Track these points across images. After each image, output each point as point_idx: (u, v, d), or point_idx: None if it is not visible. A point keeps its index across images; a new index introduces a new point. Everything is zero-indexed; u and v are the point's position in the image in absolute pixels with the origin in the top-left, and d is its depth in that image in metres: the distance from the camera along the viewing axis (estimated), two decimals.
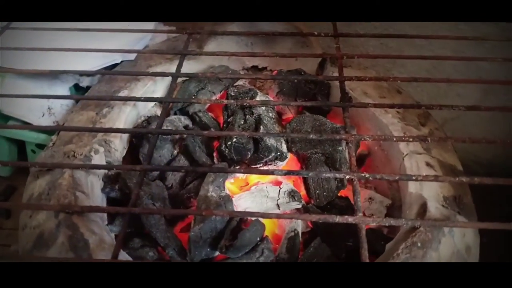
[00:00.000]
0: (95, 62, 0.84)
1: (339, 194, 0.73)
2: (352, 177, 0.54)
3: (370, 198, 0.75)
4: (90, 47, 0.73)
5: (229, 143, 0.68)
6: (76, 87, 0.98)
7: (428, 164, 0.69)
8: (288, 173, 0.59)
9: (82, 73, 0.89)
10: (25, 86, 0.92)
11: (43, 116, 0.94)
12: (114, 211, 0.52)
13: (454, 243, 0.56)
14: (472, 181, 0.53)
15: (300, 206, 0.69)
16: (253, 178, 0.75)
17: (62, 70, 0.72)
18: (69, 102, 0.96)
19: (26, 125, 0.84)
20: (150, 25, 0.99)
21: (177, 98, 0.75)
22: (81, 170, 0.64)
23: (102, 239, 0.56)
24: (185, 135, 0.74)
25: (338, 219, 0.51)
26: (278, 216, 0.58)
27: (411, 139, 0.63)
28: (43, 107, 0.94)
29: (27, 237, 0.61)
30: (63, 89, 0.95)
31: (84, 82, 0.98)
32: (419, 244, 0.53)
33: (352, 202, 0.73)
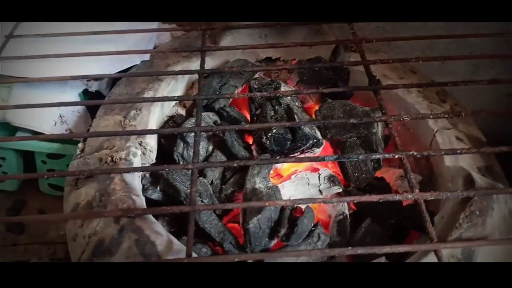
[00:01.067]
0: (112, 65, 0.82)
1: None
2: (401, 156, 0.57)
3: (402, 176, 0.78)
4: (99, 50, 0.72)
5: (270, 134, 0.69)
6: (85, 92, 0.96)
7: (458, 138, 0.72)
8: (338, 158, 0.61)
9: (107, 77, 0.86)
10: (34, 95, 0.89)
11: (55, 124, 0.91)
12: (178, 210, 0.52)
13: (501, 208, 0.60)
14: (510, 149, 0.56)
15: (341, 190, 0.71)
16: (287, 167, 0.77)
17: (85, 75, 0.71)
18: (79, 108, 0.94)
19: (64, 134, 0.83)
20: (154, 24, 0.98)
21: (209, 95, 0.75)
22: (128, 174, 0.63)
23: (169, 239, 0.56)
24: (216, 131, 0.74)
25: (398, 197, 0.54)
26: (339, 200, 0.60)
27: (446, 115, 0.66)
28: (54, 115, 0.91)
29: (81, 247, 0.60)
30: (72, 95, 0.93)
31: (93, 86, 0.96)
32: (477, 212, 0.57)
33: (387, 181, 0.76)
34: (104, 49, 0.73)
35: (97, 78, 0.86)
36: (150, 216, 0.58)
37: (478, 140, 0.74)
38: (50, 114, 0.90)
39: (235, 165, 0.57)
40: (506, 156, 0.66)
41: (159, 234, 0.56)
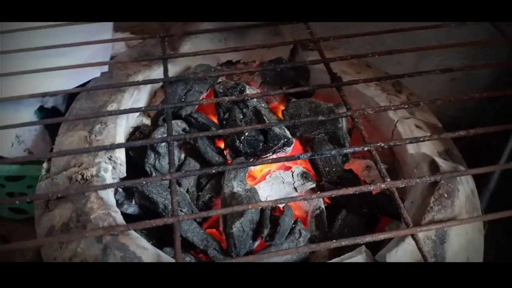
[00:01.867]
0: (72, 80, 0.79)
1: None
2: (370, 148, 0.60)
3: (368, 167, 0.81)
4: (55, 65, 0.69)
5: (242, 138, 0.70)
6: (40, 109, 0.93)
7: (417, 126, 0.76)
8: (312, 155, 0.63)
9: (71, 92, 0.82)
10: None
11: (12, 145, 0.87)
12: (162, 223, 0.51)
13: (465, 189, 0.65)
14: (468, 134, 0.61)
15: (314, 185, 0.73)
16: (260, 168, 0.78)
17: (45, 92, 0.68)
18: (36, 126, 0.91)
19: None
20: (108, 34, 0.95)
21: (178, 103, 0.75)
22: (103, 191, 0.62)
23: (156, 253, 0.55)
24: (189, 139, 0.74)
25: (372, 187, 0.56)
26: (318, 196, 0.61)
27: (406, 106, 0.70)
28: (10, 136, 0.87)
29: None
30: (28, 114, 0.89)
31: (49, 102, 0.93)
32: (445, 195, 0.61)
33: (355, 173, 0.79)
34: (60, 63, 0.71)
35: (57, 94, 0.82)
36: (133, 232, 0.57)
37: (435, 126, 0.79)
38: (6, 136, 0.86)
39: (214, 171, 0.57)
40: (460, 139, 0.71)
41: (145, 249, 0.55)
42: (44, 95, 0.76)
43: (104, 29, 0.92)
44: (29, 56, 0.76)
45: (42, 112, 0.93)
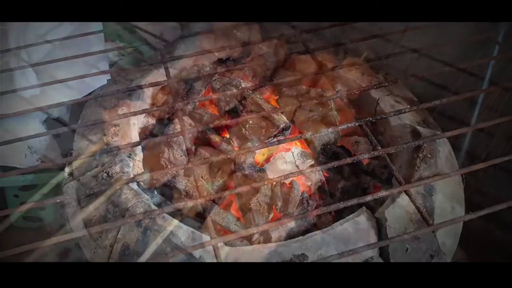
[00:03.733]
0: (83, 89, 0.86)
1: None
2: (361, 123, 0.69)
3: (356, 142, 0.91)
4: (61, 77, 0.75)
5: (247, 125, 0.78)
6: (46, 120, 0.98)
7: (396, 101, 0.87)
8: (312, 134, 0.72)
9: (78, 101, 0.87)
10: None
11: (25, 156, 0.93)
12: (192, 203, 0.60)
13: (444, 150, 0.75)
14: (443, 102, 0.71)
15: (313, 162, 0.82)
16: (262, 153, 0.87)
17: (58, 102, 0.74)
18: (46, 137, 0.96)
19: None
20: (101, 45, 1.01)
21: (186, 100, 0.82)
22: (133, 183, 0.69)
23: (190, 230, 0.63)
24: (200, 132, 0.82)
25: (367, 155, 0.66)
26: (323, 167, 0.70)
27: (387, 84, 0.80)
28: (23, 148, 0.92)
29: (102, 257, 0.65)
30: (36, 125, 0.94)
31: (54, 113, 0.98)
32: (429, 156, 0.71)
33: (347, 148, 0.89)
34: (65, 76, 0.75)
35: (74, 102, 0.86)
36: (166, 215, 0.65)
37: (411, 100, 0.89)
38: (19, 148, 0.91)
39: (228, 156, 0.65)
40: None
41: (180, 227, 0.63)
42: (58, 105, 0.82)
43: (97, 41, 0.98)
44: (33, 72, 0.82)
45: (48, 122, 0.99)
